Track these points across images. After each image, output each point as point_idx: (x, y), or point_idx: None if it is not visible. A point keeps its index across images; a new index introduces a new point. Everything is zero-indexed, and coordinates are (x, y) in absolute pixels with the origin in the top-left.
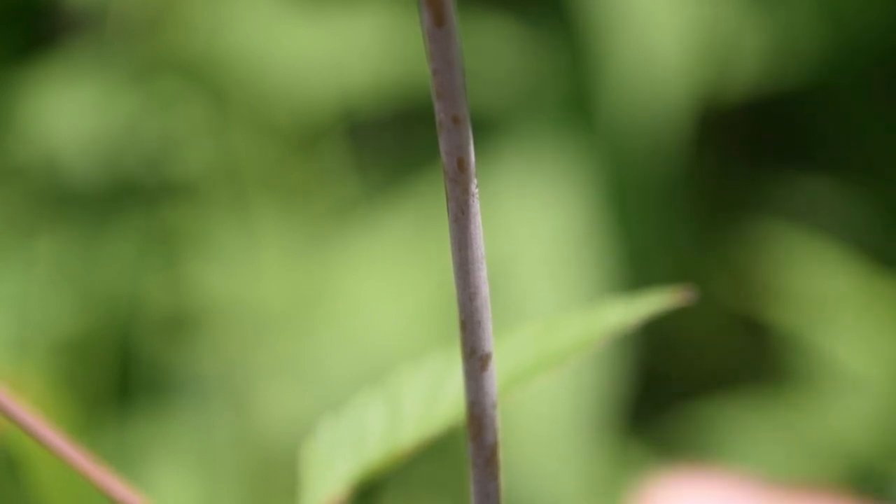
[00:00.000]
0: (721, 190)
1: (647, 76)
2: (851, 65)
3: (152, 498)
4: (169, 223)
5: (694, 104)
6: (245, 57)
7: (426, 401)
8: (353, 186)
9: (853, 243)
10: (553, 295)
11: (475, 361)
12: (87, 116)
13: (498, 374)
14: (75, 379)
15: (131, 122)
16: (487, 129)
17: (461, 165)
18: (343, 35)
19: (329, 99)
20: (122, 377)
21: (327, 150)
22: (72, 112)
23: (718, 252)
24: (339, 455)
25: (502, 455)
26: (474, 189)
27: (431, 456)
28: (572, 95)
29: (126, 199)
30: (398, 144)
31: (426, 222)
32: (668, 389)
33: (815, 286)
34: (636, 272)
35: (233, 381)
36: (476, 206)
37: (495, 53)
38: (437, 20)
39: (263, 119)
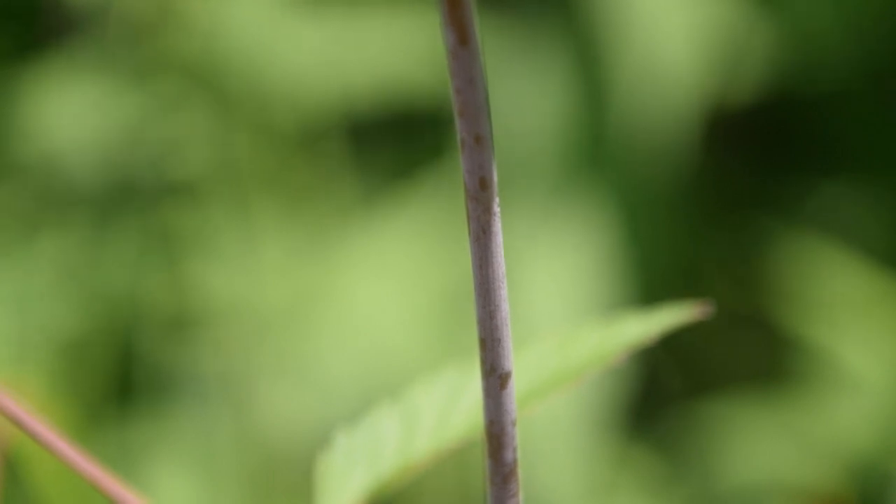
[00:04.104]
0: (728, 192)
1: (657, 85)
2: (862, 69)
3: (153, 498)
4: (170, 224)
5: (704, 111)
6: (246, 58)
7: (441, 415)
8: (354, 187)
9: (860, 246)
10: (567, 310)
11: (494, 379)
12: (88, 117)
13: (516, 389)
14: (76, 379)
15: (132, 122)
16: (501, 147)
17: (483, 184)
18: (344, 37)
19: (330, 100)
20: (123, 377)
21: (328, 151)
22: (73, 112)
23: (723, 253)
24: (354, 467)
25: (521, 473)
26: (496, 208)
27: (445, 469)
28: (581, 109)
29: (127, 200)
30: (398, 145)
31: (426, 223)
32: (671, 390)
33: (821, 287)
34: (644, 269)
35: (234, 381)
36: (497, 225)
37: (504, 68)
38: (461, 39)
39: (264, 120)
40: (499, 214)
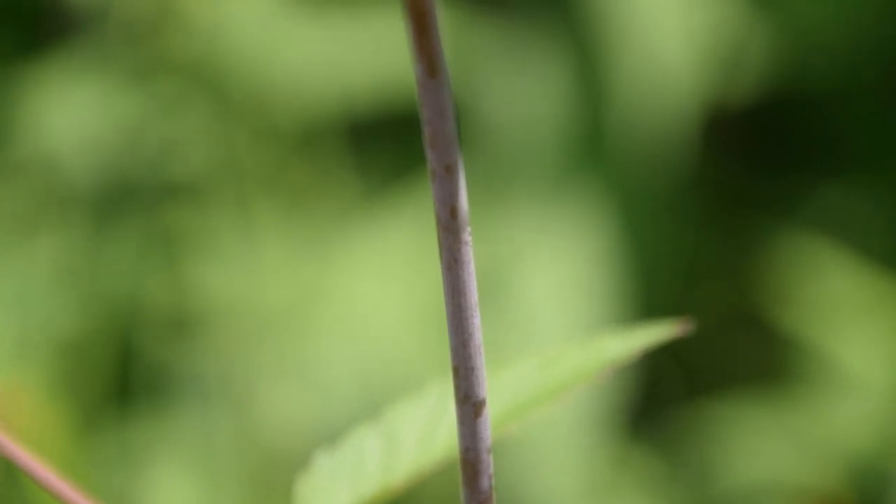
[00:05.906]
0: (728, 192)
1: (656, 85)
2: (862, 69)
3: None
4: (170, 224)
5: (703, 111)
6: (246, 58)
7: (423, 435)
8: (354, 187)
9: (860, 246)
10: (565, 311)
11: (469, 408)
12: (89, 117)
13: (496, 408)
14: (76, 379)
15: (133, 122)
16: (498, 149)
17: (453, 214)
18: (344, 37)
19: (330, 100)
20: (123, 377)
21: (328, 151)
22: (73, 112)
23: (723, 253)
24: (334, 488)
25: (496, 500)
26: (467, 237)
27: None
28: (580, 110)
29: (127, 200)
30: (398, 145)
31: (426, 223)
32: (671, 390)
33: (820, 288)
34: (643, 270)
35: (233, 381)
36: (469, 254)
37: (500, 68)
38: (430, 70)
39: (265, 120)
40: (470, 244)
